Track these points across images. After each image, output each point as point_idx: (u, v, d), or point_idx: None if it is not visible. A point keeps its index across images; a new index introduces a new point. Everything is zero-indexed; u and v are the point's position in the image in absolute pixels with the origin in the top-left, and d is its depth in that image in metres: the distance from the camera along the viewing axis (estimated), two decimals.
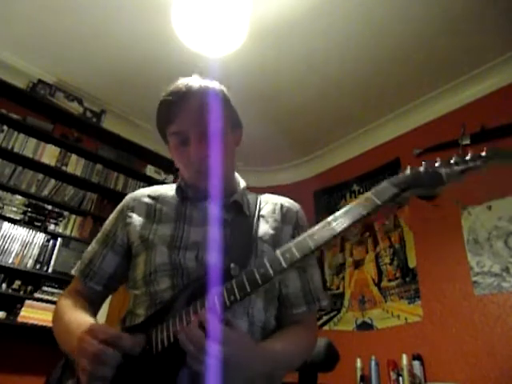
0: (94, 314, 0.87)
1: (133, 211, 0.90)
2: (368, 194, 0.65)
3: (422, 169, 0.66)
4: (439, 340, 2.34)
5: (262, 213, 0.92)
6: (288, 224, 0.91)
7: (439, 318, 2.40)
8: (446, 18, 2.31)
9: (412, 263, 2.67)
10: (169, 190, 0.95)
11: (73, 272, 0.92)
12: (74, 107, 3.08)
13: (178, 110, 0.83)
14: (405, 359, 2.31)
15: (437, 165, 0.66)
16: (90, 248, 0.93)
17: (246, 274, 0.65)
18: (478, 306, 2.25)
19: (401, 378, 2.29)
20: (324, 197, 3.52)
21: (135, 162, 3.34)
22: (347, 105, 3.06)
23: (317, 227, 0.65)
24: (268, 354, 0.71)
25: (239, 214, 0.88)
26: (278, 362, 0.74)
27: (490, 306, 2.20)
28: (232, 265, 0.70)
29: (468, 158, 0.65)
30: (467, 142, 2.60)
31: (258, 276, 0.63)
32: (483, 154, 0.64)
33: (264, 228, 0.88)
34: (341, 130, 3.38)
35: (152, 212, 0.89)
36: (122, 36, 2.60)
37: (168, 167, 3.32)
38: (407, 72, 2.72)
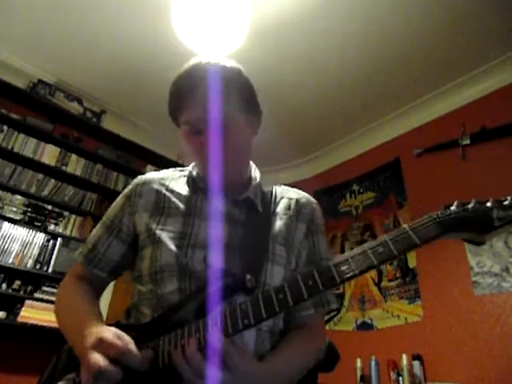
0: (98, 299, 0.86)
1: (140, 198, 0.84)
2: (407, 229, 0.58)
3: (470, 206, 0.58)
4: (439, 340, 2.34)
5: (276, 209, 0.87)
6: (302, 221, 0.87)
7: (439, 318, 2.40)
8: (446, 18, 2.31)
9: (412, 263, 2.67)
10: (180, 177, 0.90)
11: (75, 255, 0.88)
12: (74, 107, 3.08)
13: (189, 97, 0.76)
14: (405, 359, 2.31)
15: (488, 205, 0.57)
16: (94, 231, 0.89)
17: (263, 297, 0.61)
18: (478, 306, 2.25)
19: (401, 378, 2.29)
20: (324, 197, 3.52)
21: (135, 162, 3.35)
22: (347, 105, 3.06)
23: (343, 256, 0.60)
24: (272, 373, 0.68)
25: (252, 211, 0.83)
26: (283, 379, 0.71)
27: (490, 306, 2.20)
28: (248, 276, 0.66)
29: None
30: (467, 142, 2.60)
31: (276, 302, 0.59)
32: None
33: (277, 227, 0.83)
34: (341, 130, 3.38)
35: (161, 202, 0.83)
36: (122, 36, 2.60)
37: (168, 167, 3.31)
38: (407, 72, 2.72)
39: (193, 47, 2.42)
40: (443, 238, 0.58)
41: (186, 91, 0.77)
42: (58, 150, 2.93)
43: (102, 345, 0.61)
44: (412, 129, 3.03)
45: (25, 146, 2.78)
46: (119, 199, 0.90)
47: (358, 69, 2.72)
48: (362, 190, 3.26)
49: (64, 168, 2.91)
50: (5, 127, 2.74)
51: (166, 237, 0.77)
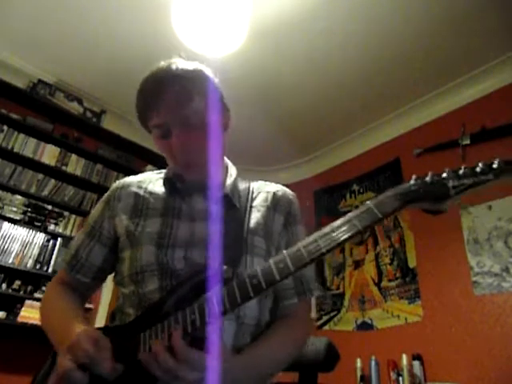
0: (83, 304, 0.87)
1: (119, 201, 0.87)
2: (369, 205, 0.61)
3: (427, 179, 0.61)
4: (439, 340, 2.34)
5: (253, 203, 0.88)
6: (280, 213, 0.88)
7: (439, 318, 2.40)
8: (446, 18, 2.31)
9: (412, 263, 2.67)
10: (158, 179, 0.91)
11: (59, 261, 0.91)
12: (74, 107, 3.08)
13: (155, 100, 0.78)
14: (405, 359, 2.31)
15: (444, 176, 0.60)
16: (76, 238, 0.90)
17: (237, 284, 0.62)
18: (478, 306, 2.25)
19: (401, 378, 2.29)
20: (324, 197, 3.52)
21: (135, 162, 3.34)
22: (347, 105, 3.06)
23: (312, 237, 0.61)
24: (252, 365, 0.69)
25: (230, 206, 0.83)
26: (265, 369, 0.72)
27: (490, 306, 2.20)
28: (224, 267, 0.67)
29: (478, 169, 0.58)
30: (467, 142, 2.60)
31: (250, 287, 0.60)
32: (495, 165, 0.57)
33: (255, 219, 0.84)
34: (341, 130, 3.38)
35: (140, 204, 0.85)
36: (122, 36, 2.60)
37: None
38: (407, 72, 2.72)
39: (193, 47, 2.42)
40: (404, 209, 0.61)
41: (150, 96, 0.79)
42: (58, 149, 2.93)
43: (73, 349, 0.63)
44: (412, 129, 3.04)
45: (25, 146, 2.78)
46: (99, 204, 0.92)
47: (358, 69, 2.72)
48: (361, 190, 3.26)
49: (64, 168, 2.91)
50: (5, 127, 2.74)
51: (145, 237, 0.79)
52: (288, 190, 0.95)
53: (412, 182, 0.63)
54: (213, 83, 0.84)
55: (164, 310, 0.68)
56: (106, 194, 0.92)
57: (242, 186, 0.91)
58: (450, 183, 0.59)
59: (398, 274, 2.74)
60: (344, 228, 0.60)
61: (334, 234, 0.60)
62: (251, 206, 0.87)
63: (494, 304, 2.19)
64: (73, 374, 0.60)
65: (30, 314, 2.39)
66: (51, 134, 2.91)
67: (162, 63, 0.81)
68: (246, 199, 0.88)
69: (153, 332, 0.65)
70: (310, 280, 0.86)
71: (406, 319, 2.56)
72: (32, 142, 2.83)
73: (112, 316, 0.84)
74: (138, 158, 3.38)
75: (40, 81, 2.95)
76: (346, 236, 0.59)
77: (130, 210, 0.85)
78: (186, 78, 0.79)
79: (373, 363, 2.44)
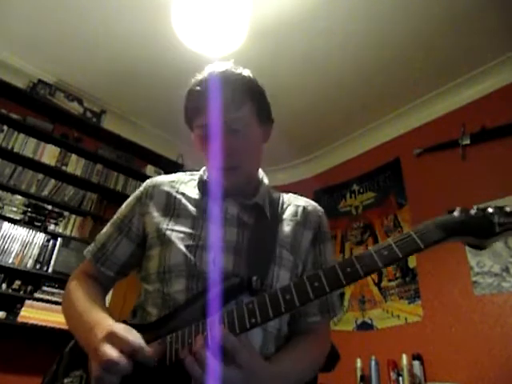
0: (105, 296, 0.87)
1: (151, 199, 0.87)
2: (411, 233, 0.59)
3: (472, 212, 0.60)
4: (439, 340, 2.34)
5: (283, 216, 0.88)
6: (309, 229, 0.88)
7: (439, 318, 2.40)
8: (446, 18, 2.31)
9: (412, 263, 2.67)
10: (190, 180, 0.92)
11: (84, 253, 0.89)
12: (74, 107, 3.08)
13: (205, 101, 0.79)
14: (405, 359, 2.31)
15: (490, 211, 0.59)
16: (104, 230, 0.91)
17: (269, 297, 0.61)
18: (478, 306, 2.25)
19: (401, 378, 2.29)
20: (324, 197, 3.52)
21: (135, 162, 3.34)
22: (347, 105, 3.06)
23: (350, 259, 0.60)
24: (278, 375, 0.68)
25: (260, 216, 0.85)
26: (289, 381, 0.72)
27: (490, 306, 2.20)
28: (254, 277, 0.67)
29: None
30: (467, 142, 2.60)
31: (282, 303, 0.60)
32: None
33: (284, 232, 0.84)
34: (341, 130, 3.38)
35: (171, 203, 0.85)
36: (122, 36, 2.60)
37: (168, 167, 3.32)
38: (407, 72, 2.72)
39: (193, 47, 2.42)
40: (446, 241, 0.59)
41: (202, 96, 0.79)
42: (58, 150, 2.93)
43: (113, 338, 0.62)
44: (412, 129, 3.03)
45: (25, 145, 2.78)
46: (130, 200, 0.92)
47: (358, 69, 2.72)
48: (362, 190, 3.26)
49: (64, 168, 2.91)
50: (5, 127, 2.74)
51: (175, 237, 0.79)
52: (318, 206, 0.95)
53: (456, 213, 0.61)
54: (263, 93, 0.86)
55: (190, 315, 0.68)
56: (137, 191, 0.92)
57: (274, 196, 0.92)
58: (496, 219, 0.57)
59: (397, 274, 2.74)
60: (384, 253, 0.58)
61: (372, 259, 0.59)
62: (281, 218, 0.88)
63: (494, 304, 2.19)
64: (120, 360, 0.59)
65: (30, 313, 2.39)
66: (51, 134, 2.91)
67: (217, 65, 0.83)
68: (276, 210, 0.89)
69: (179, 335, 0.65)
70: (335, 299, 0.86)
71: (405, 319, 2.56)
72: (32, 142, 2.83)
73: (133, 313, 0.84)
74: (138, 158, 3.38)
75: (40, 81, 2.95)
76: (385, 261, 0.58)
77: (162, 208, 0.85)
78: (239, 83, 0.81)
79: (373, 363, 2.44)
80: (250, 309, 0.62)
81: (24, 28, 2.62)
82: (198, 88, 0.80)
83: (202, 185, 0.88)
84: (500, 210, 0.58)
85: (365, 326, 2.78)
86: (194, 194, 0.87)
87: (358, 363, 2.53)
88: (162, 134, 3.49)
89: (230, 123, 0.78)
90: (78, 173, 2.97)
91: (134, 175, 3.25)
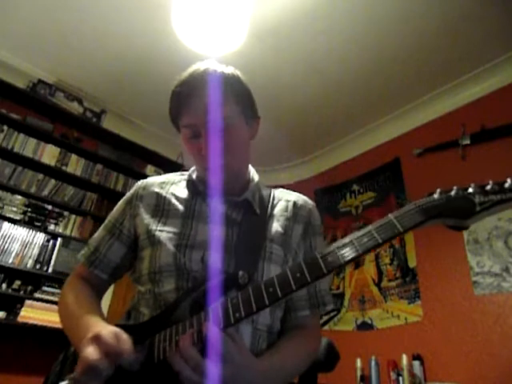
0: (100, 301, 0.88)
1: (141, 201, 0.87)
2: (390, 218, 0.59)
3: (452, 193, 0.59)
4: (439, 340, 2.34)
5: (273, 211, 0.89)
6: (299, 223, 0.88)
7: (439, 318, 2.40)
8: (446, 18, 2.31)
9: (412, 263, 2.67)
10: (180, 180, 0.92)
11: (78, 256, 0.90)
12: (74, 107, 3.08)
13: (189, 101, 0.79)
14: (405, 359, 2.31)
15: (470, 191, 0.58)
16: (96, 234, 0.91)
17: (253, 291, 0.62)
18: (478, 306, 2.25)
19: (401, 378, 2.29)
20: (324, 197, 3.52)
21: (135, 162, 3.35)
22: (347, 105, 3.06)
23: (331, 247, 0.60)
24: (268, 371, 0.69)
25: (250, 212, 0.85)
26: (279, 377, 0.72)
27: (490, 306, 2.20)
28: (241, 272, 0.68)
29: (507, 185, 0.56)
30: (467, 142, 2.60)
31: (265, 295, 0.60)
32: None
33: (274, 227, 0.85)
34: (341, 130, 3.38)
35: (161, 204, 0.86)
36: (122, 36, 2.60)
37: (168, 167, 3.32)
38: (407, 72, 2.72)
39: (193, 47, 2.42)
40: (427, 225, 0.59)
41: (185, 96, 0.79)
42: (58, 149, 2.93)
43: (97, 340, 0.62)
44: (412, 129, 3.03)
45: (25, 145, 2.78)
46: (121, 203, 0.93)
47: (358, 69, 2.72)
48: (361, 190, 3.26)
49: (64, 168, 2.91)
50: (5, 127, 2.74)
51: (165, 238, 0.80)
52: (308, 200, 0.95)
53: (436, 195, 0.60)
54: (247, 90, 0.85)
55: (179, 314, 0.68)
56: (128, 193, 0.93)
57: (264, 192, 0.92)
58: (477, 199, 0.56)
59: (398, 274, 2.74)
60: (364, 240, 0.58)
61: (353, 246, 0.59)
62: (271, 214, 0.88)
63: (494, 304, 2.19)
64: (100, 363, 0.59)
65: (29, 313, 2.39)
66: (51, 134, 2.91)
67: (200, 64, 0.82)
68: (266, 206, 0.89)
69: (167, 333, 0.66)
70: (325, 293, 0.86)
71: (405, 319, 2.56)
72: (32, 142, 2.83)
73: (128, 314, 0.85)
74: (138, 158, 3.38)
75: (40, 81, 2.95)
76: (365, 248, 0.58)
77: (152, 209, 0.86)
78: (222, 81, 0.80)
79: (373, 363, 2.44)
80: (234, 303, 0.62)
81: (24, 28, 2.62)
82: (179, 89, 0.80)
83: (191, 184, 0.88)
84: (481, 188, 0.57)
85: (365, 326, 2.78)
86: (184, 193, 0.88)
87: (358, 363, 2.53)
88: (162, 134, 3.49)
89: (215, 122, 0.78)
90: (78, 173, 2.97)
91: (134, 175, 3.25)
